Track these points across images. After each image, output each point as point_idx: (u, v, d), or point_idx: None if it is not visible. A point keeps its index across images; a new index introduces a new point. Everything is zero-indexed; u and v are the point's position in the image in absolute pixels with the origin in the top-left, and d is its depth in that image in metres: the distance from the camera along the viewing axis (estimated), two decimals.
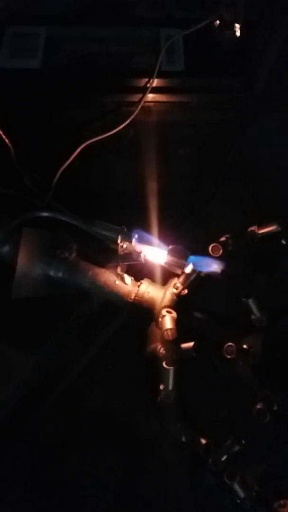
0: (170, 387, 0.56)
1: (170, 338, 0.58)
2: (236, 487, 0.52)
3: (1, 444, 0.70)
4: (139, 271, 0.67)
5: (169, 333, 0.58)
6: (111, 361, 0.76)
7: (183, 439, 0.55)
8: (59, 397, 0.73)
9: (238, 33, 0.60)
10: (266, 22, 0.74)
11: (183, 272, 0.62)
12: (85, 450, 0.69)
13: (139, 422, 0.69)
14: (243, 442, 0.53)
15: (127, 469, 0.66)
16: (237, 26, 0.59)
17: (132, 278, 0.66)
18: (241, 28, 0.59)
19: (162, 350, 0.59)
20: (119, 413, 0.71)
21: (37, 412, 0.72)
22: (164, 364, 0.56)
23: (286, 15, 0.79)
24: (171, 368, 0.56)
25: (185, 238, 0.65)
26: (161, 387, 0.57)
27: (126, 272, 0.66)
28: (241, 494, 0.52)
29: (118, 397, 0.72)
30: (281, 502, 0.51)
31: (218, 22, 0.60)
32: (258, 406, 0.54)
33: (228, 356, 0.57)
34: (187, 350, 0.58)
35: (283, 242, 0.63)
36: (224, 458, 0.53)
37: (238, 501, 0.52)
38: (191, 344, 0.58)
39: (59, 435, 0.71)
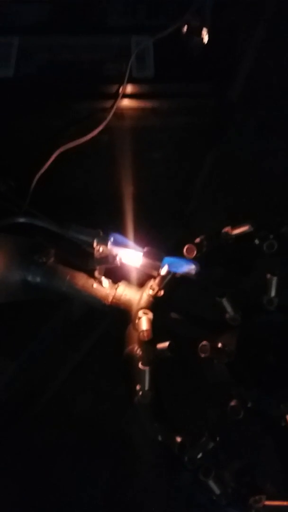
0: (147, 387, 0.57)
1: (146, 338, 0.59)
2: (211, 483, 0.52)
3: None
4: (120, 274, 0.68)
5: (145, 334, 0.59)
6: (98, 366, 0.76)
7: (160, 438, 0.56)
8: (46, 403, 0.73)
9: (206, 39, 0.62)
10: (241, 29, 0.77)
11: (158, 274, 0.63)
12: (74, 456, 0.70)
13: (127, 425, 0.70)
14: (218, 439, 0.54)
15: (117, 473, 0.67)
16: (205, 31, 0.61)
17: (110, 281, 0.67)
18: (209, 34, 0.61)
19: (138, 351, 0.60)
20: (107, 417, 0.71)
21: (24, 419, 0.72)
22: (140, 365, 0.57)
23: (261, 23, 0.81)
24: (147, 368, 0.57)
25: (169, 241, 0.66)
26: (138, 387, 0.57)
27: (106, 276, 0.67)
28: (217, 490, 0.53)
29: (106, 401, 0.73)
30: (257, 497, 0.52)
31: (186, 28, 0.61)
32: (232, 403, 0.55)
33: (203, 355, 0.58)
34: (163, 350, 0.58)
35: (256, 242, 0.64)
36: (199, 455, 0.54)
37: (214, 498, 0.53)
38: (166, 344, 0.58)
39: (46, 441, 0.71)
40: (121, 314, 0.65)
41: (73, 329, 0.79)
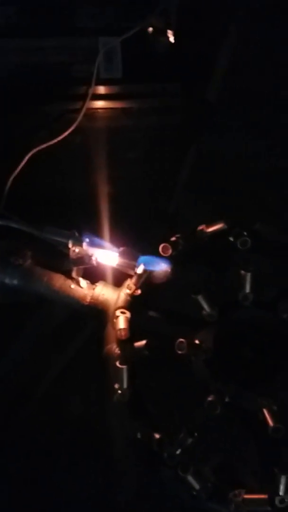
0: (125, 385, 0.57)
1: (123, 337, 0.59)
2: (190, 479, 0.53)
3: None
4: (99, 275, 0.68)
5: (122, 333, 0.59)
6: (86, 368, 0.76)
7: (138, 435, 0.56)
8: (34, 406, 0.73)
9: (172, 39, 0.62)
10: (218, 31, 0.77)
11: (135, 273, 0.64)
12: (64, 458, 0.69)
13: (117, 426, 0.70)
14: (196, 435, 0.54)
15: (107, 474, 0.67)
16: (170, 32, 0.62)
17: (88, 281, 0.67)
18: (174, 35, 0.61)
19: (116, 350, 0.60)
20: (96, 419, 0.71)
21: (13, 422, 0.72)
22: (117, 364, 0.57)
23: (237, 24, 0.82)
24: (125, 367, 0.57)
25: (143, 241, 0.66)
26: (116, 386, 0.58)
27: (85, 277, 0.67)
28: (196, 485, 0.53)
29: (95, 403, 0.73)
30: (236, 491, 0.53)
31: (151, 29, 0.62)
32: (209, 398, 0.55)
33: (180, 352, 0.58)
34: (140, 348, 0.59)
35: (231, 239, 0.65)
36: (178, 451, 0.54)
37: (194, 493, 0.53)
38: (143, 342, 0.59)
39: (35, 443, 0.71)
40: (99, 314, 0.66)
41: (57, 332, 0.79)
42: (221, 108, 0.78)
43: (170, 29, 0.61)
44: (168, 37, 0.61)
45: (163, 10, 0.61)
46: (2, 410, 0.74)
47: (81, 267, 0.65)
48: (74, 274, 0.66)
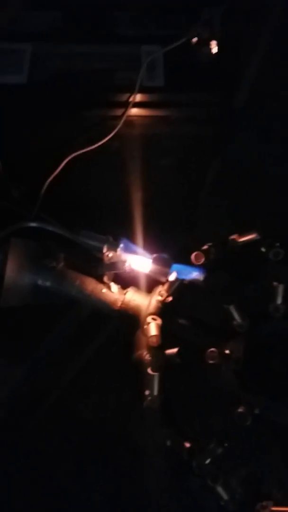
0: (155, 392, 0.58)
1: (155, 344, 0.60)
2: (220, 489, 0.53)
3: None
4: (127, 280, 0.68)
5: (154, 340, 0.60)
6: (102, 370, 0.77)
7: (168, 443, 0.57)
8: (50, 408, 0.73)
9: (215, 50, 0.63)
10: (245, 39, 0.77)
11: (167, 280, 0.64)
12: (78, 460, 0.70)
13: (132, 430, 0.70)
14: (226, 445, 0.55)
15: (121, 478, 0.67)
16: (214, 43, 0.62)
17: (119, 286, 0.67)
18: (218, 45, 0.62)
19: (147, 357, 0.61)
20: (111, 421, 0.72)
21: (28, 423, 0.73)
22: (149, 370, 0.58)
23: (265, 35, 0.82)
24: (156, 373, 0.57)
25: (174, 248, 0.66)
26: (147, 392, 0.58)
27: (113, 281, 0.67)
28: (225, 496, 0.53)
29: (110, 405, 0.73)
30: (263, 503, 0.53)
31: (195, 39, 0.62)
32: (240, 410, 0.55)
33: (211, 361, 0.58)
34: (172, 356, 0.59)
35: (263, 249, 0.65)
36: (207, 461, 0.54)
37: (222, 503, 0.54)
38: (175, 350, 0.59)
39: (51, 445, 0.72)
40: (129, 319, 0.66)
41: (78, 333, 0.79)
42: (245, 115, 0.78)
43: (214, 39, 0.61)
44: (211, 47, 0.62)
45: (207, 20, 0.61)
46: (21, 411, 0.74)
47: (112, 272, 0.66)
48: (105, 279, 0.67)
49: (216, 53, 0.63)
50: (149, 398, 0.58)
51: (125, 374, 0.72)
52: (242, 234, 0.66)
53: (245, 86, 0.81)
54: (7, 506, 0.68)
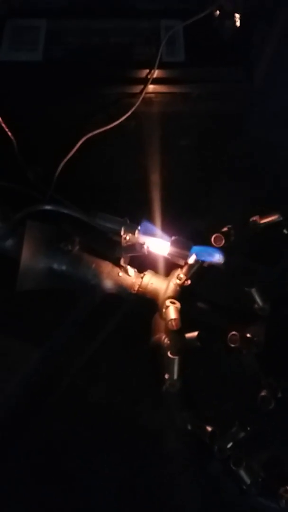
0: (175, 376, 0.57)
1: (174, 328, 0.59)
2: (242, 473, 0.52)
3: (4, 440, 0.70)
4: (141, 263, 0.67)
5: (173, 323, 0.59)
6: (112, 355, 0.76)
7: (189, 427, 0.56)
8: (62, 392, 0.73)
9: (238, 23, 0.60)
10: (265, 13, 0.75)
11: (186, 263, 0.63)
12: (89, 445, 0.70)
13: (142, 415, 0.70)
14: (248, 429, 0.54)
15: (131, 463, 0.67)
16: (237, 16, 0.59)
17: (135, 269, 0.66)
18: (240, 18, 0.59)
19: (166, 340, 0.60)
20: (122, 406, 0.71)
21: (40, 407, 0.73)
22: (169, 354, 0.57)
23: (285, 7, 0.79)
24: (176, 357, 0.57)
25: (186, 229, 0.65)
26: (166, 376, 0.57)
27: (129, 264, 0.66)
28: (247, 480, 0.53)
29: (121, 390, 0.73)
30: (287, 487, 0.52)
31: (218, 12, 0.60)
32: (263, 394, 0.54)
33: (232, 345, 0.57)
34: (192, 339, 0.58)
35: (285, 231, 0.64)
36: (229, 445, 0.54)
37: (244, 487, 0.53)
38: (195, 333, 0.58)
39: (62, 430, 0.72)
40: (146, 303, 0.65)
41: (92, 317, 0.79)
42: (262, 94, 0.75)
43: (238, 13, 0.59)
44: (234, 21, 0.59)
45: None
46: (34, 395, 0.74)
47: (130, 255, 0.65)
48: (122, 262, 0.66)
49: (238, 27, 0.60)
50: (169, 382, 0.57)
51: (136, 358, 0.72)
52: (263, 215, 0.64)
53: (264, 63, 0.78)
54: (16, 490, 0.68)
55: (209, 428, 0.54)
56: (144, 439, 0.67)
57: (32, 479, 0.68)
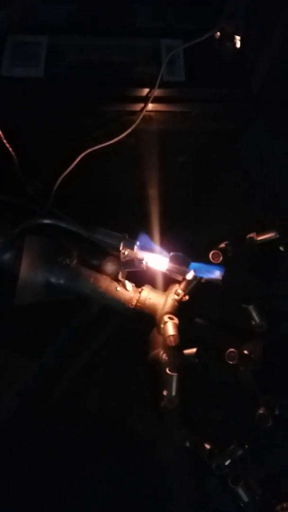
0: (174, 392, 0.57)
1: (173, 344, 0.59)
2: (240, 491, 0.53)
3: (0, 448, 0.70)
4: (139, 278, 0.68)
5: (172, 339, 0.59)
6: (106, 364, 0.76)
7: (187, 444, 0.56)
8: (56, 401, 0.73)
9: (238, 45, 0.61)
10: (259, 30, 0.76)
11: (184, 279, 0.63)
12: (82, 454, 0.70)
13: (136, 425, 0.70)
14: (246, 446, 0.54)
15: (124, 472, 0.67)
16: (237, 38, 0.61)
17: (133, 284, 0.67)
18: (241, 40, 0.61)
19: (164, 356, 0.60)
20: (115, 416, 0.71)
21: (34, 416, 0.72)
22: (167, 370, 0.57)
23: (278, 23, 0.81)
24: (175, 374, 0.57)
25: (180, 244, 0.65)
26: (164, 393, 0.57)
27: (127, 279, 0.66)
28: (245, 498, 0.53)
29: (114, 400, 0.73)
30: (284, 505, 0.52)
31: (219, 34, 0.61)
32: (260, 411, 0.55)
33: (230, 362, 0.58)
34: (190, 356, 0.58)
35: (281, 248, 0.64)
36: (227, 462, 0.54)
37: (242, 505, 0.53)
38: (193, 350, 0.59)
39: (56, 438, 0.71)
40: (145, 318, 0.65)
41: (87, 328, 0.79)
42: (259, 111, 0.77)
43: (238, 34, 0.60)
44: (234, 43, 0.61)
45: (231, 15, 0.60)
46: (28, 404, 0.74)
47: (128, 270, 0.65)
48: (120, 277, 0.66)
49: (238, 49, 0.61)
50: (167, 398, 0.57)
51: (130, 368, 0.72)
52: (260, 232, 0.65)
53: (257, 82, 0.80)
54: (10, 497, 0.67)
55: (207, 446, 0.54)
56: (138, 448, 0.67)
57: (26, 486, 0.68)
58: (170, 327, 0.60)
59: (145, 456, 0.67)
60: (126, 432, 0.70)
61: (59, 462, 0.69)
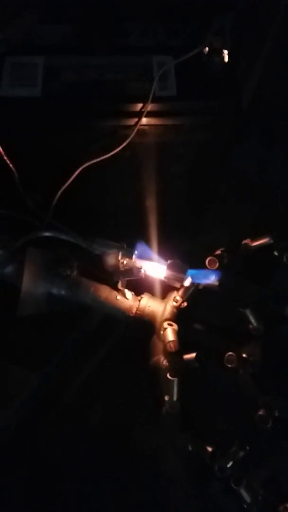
0: (175, 397, 0.58)
1: (173, 349, 0.60)
2: (243, 492, 0.53)
3: (2, 461, 0.70)
4: (137, 286, 0.69)
5: (172, 345, 0.60)
6: (109, 376, 0.77)
7: (189, 448, 0.57)
8: (59, 413, 0.74)
9: (226, 59, 0.64)
10: (248, 43, 0.79)
11: (182, 286, 0.65)
12: (85, 466, 0.70)
13: (138, 436, 0.70)
14: (248, 448, 0.55)
15: (127, 484, 0.67)
16: (226, 52, 0.64)
17: (133, 293, 0.68)
18: (228, 54, 0.63)
19: (165, 362, 0.61)
20: (118, 428, 0.72)
21: (37, 428, 0.73)
22: (168, 375, 0.58)
23: (269, 37, 0.84)
24: (175, 379, 0.58)
25: (177, 253, 0.67)
26: (166, 398, 0.58)
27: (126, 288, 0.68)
28: (248, 499, 0.54)
29: (117, 412, 0.74)
30: (287, 505, 0.53)
31: (207, 49, 0.64)
32: (260, 413, 0.56)
33: (229, 365, 0.59)
34: (190, 360, 0.60)
35: (276, 253, 0.66)
36: (229, 464, 0.55)
37: (245, 506, 0.54)
38: (193, 355, 0.60)
39: (58, 451, 0.72)
40: (144, 325, 0.67)
41: (88, 340, 0.80)
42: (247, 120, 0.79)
43: (226, 49, 0.63)
44: (223, 57, 0.63)
45: (219, 30, 0.63)
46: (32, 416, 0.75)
47: (127, 279, 0.67)
48: (119, 286, 0.67)
49: (227, 62, 0.64)
50: (169, 403, 0.58)
51: (132, 379, 0.73)
52: (254, 238, 0.67)
53: (248, 93, 0.83)
54: (14, 508, 0.68)
55: (209, 449, 0.55)
56: (141, 459, 0.68)
57: (28, 500, 0.68)
58: (169, 333, 0.62)
59: (148, 467, 0.68)
60: (129, 444, 0.70)
61: (62, 474, 0.70)
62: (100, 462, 0.71)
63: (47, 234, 0.65)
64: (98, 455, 0.71)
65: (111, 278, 0.67)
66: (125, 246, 0.65)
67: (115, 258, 0.64)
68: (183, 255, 0.66)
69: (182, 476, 0.62)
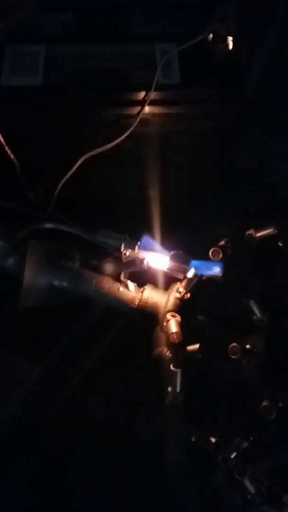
0: (178, 388, 0.58)
1: (176, 341, 0.60)
2: (247, 482, 0.53)
3: (5, 454, 0.71)
4: (139, 277, 0.69)
5: (175, 336, 0.60)
6: (111, 368, 0.77)
7: (193, 439, 0.57)
8: (61, 405, 0.74)
9: (230, 46, 0.63)
10: (253, 31, 0.78)
11: (185, 277, 0.64)
12: (88, 459, 0.70)
13: (141, 428, 0.70)
14: (251, 439, 0.55)
15: (130, 476, 0.68)
16: (230, 39, 0.63)
17: (135, 284, 0.68)
18: (233, 41, 0.62)
19: (168, 353, 0.61)
20: (120, 420, 0.72)
21: (40, 421, 0.73)
22: (171, 367, 0.58)
23: (272, 25, 0.83)
24: (178, 370, 0.58)
25: (180, 244, 0.67)
26: (169, 389, 0.58)
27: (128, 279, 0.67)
28: (252, 489, 0.53)
29: (120, 403, 0.74)
30: None
31: (211, 36, 0.63)
32: (264, 403, 0.56)
33: (233, 356, 0.59)
34: (193, 352, 0.59)
35: (280, 244, 0.66)
36: (233, 455, 0.55)
37: (249, 497, 0.54)
38: (196, 346, 0.59)
39: (61, 444, 0.72)
40: (148, 317, 0.66)
41: (89, 334, 0.80)
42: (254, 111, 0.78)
43: (230, 36, 0.62)
44: (227, 44, 0.62)
45: (223, 17, 0.62)
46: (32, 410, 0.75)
47: (130, 270, 0.66)
48: (122, 277, 0.67)
49: (231, 50, 0.63)
50: (172, 394, 0.58)
51: (134, 372, 0.73)
52: (258, 229, 0.66)
53: (251, 82, 0.82)
54: (15, 503, 0.68)
55: (213, 439, 0.55)
56: (143, 451, 0.68)
57: (30, 492, 0.68)
58: (172, 325, 0.61)
59: (151, 461, 0.68)
60: (132, 435, 0.70)
61: (64, 465, 0.70)
62: (103, 454, 0.71)
63: (49, 225, 0.65)
64: (101, 447, 0.71)
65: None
66: (127, 237, 0.64)
67: (114, 266, 0.64)
68: (186, 246, 0.65)
69: (185, 467, 0.62)
